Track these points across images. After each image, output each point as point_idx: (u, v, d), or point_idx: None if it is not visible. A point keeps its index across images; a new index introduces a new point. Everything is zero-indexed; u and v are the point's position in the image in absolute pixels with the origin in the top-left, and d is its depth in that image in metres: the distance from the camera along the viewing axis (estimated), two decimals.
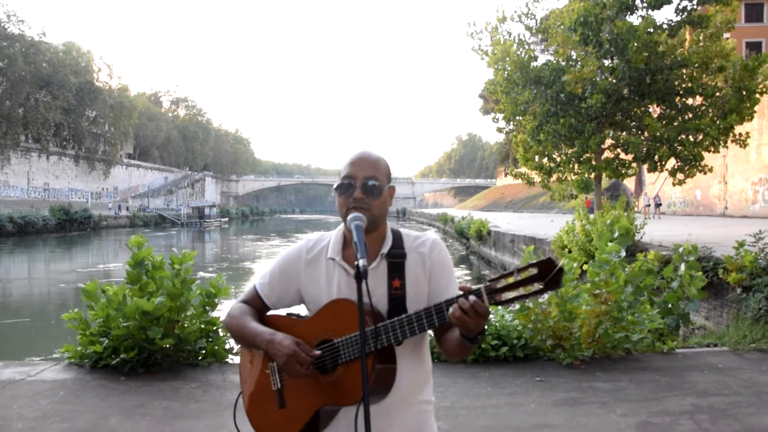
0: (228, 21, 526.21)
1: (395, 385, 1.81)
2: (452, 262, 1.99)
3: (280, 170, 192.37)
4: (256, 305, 2.01)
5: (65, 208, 54.02)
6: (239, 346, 2.04)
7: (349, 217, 1.77)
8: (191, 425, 3.93)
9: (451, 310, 1.64)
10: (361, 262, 1.60)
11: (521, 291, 1.61)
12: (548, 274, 1.59)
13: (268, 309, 2.01)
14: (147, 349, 4.99)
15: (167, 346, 5.06)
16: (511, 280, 1.62)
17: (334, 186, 1.85)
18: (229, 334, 2.03)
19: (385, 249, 1.89)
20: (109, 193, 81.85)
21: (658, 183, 41.36)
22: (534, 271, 1.60)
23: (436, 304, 1.70)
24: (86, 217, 56.12)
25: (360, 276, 1.60)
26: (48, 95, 64.79)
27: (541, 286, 1.59)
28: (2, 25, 60.03)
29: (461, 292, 1.67)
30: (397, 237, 1.93)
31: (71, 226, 53.42)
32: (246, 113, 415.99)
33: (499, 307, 1.73)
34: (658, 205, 36.95)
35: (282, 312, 2.02)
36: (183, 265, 5.23)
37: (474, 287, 1.66)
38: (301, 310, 2.02)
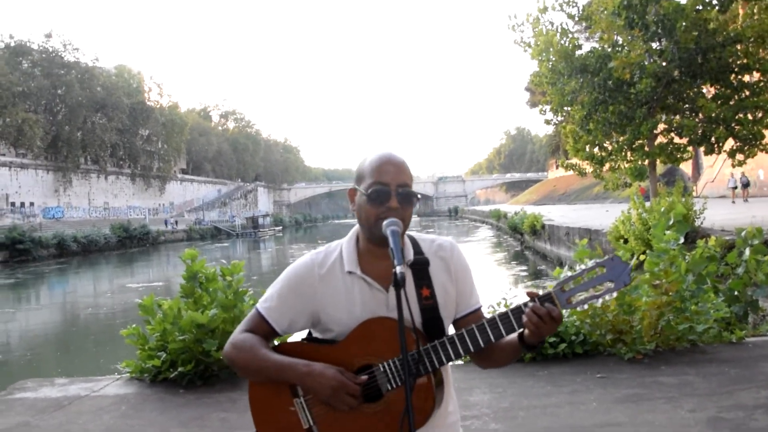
0: (271, 32, 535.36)
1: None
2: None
3: (330, 176, 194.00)
4: (263, 332, 1.77)
5: (125, 226, 55.87)
6: (250, 381, 1.78)
7: (386, 222, 1.62)
8: None
9: (525, 317, 1.59)
10: (399, 269, 1.49)
11: (591, 292, 1.61)
12: (616, 272, 1.59)
13: (275, 336, 1.80)
14: (204, 361, 5.05)
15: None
16: (579, 281, 1.61)
17: (367, 192, 1.68)
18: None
19: (409, 256, 1.74)
20: (166, 209, 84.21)
21: (716, 165, 39.85)
22: (602, 270, 1.60)
23: (513, 310, 1.64)
24: (145, 233, 57.93)
25: (398, 284, 1.48)
26: (103, 117, 67.43)
27: (611, 285, 1.59)
28: (59, 54, 62.89)
29: (528, 298, 1.63)
30: (414, 242, 1.80)
31: (131, 243, 55.16)
32: (294, 122, 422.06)
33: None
34: (745, 186, 31.93)
35: (294, 338, 1.83)
36: (234, 276, 5.28)
37: (543, 293, 1.63)
38: (299, 334, 1.84)
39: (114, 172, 74.90)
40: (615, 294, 1.60)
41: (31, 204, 60.80)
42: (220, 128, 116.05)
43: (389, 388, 1.63)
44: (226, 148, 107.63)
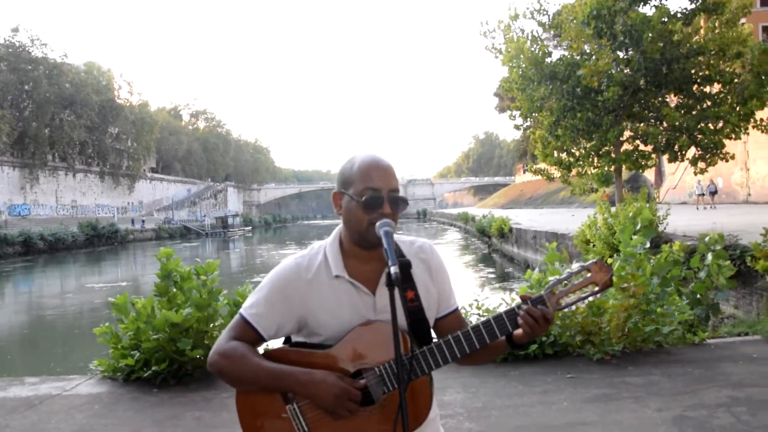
0: (243, 32, 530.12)
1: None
2: None
3: (300, 177, 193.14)
4: (250, 340, 1.72)
5: (93, 224, 54.88)
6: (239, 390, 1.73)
7: (379, 223, 1.62)
8: None
9: (521, 319, 1.66)
10: (393, 269, 1.49)
11: (578, 294, 1.70)
12: (601, 275, 1.68)
13: (261, 343, 1.75)
14: (177, 360, 5.03)
15: (198, 356, 5.10)
16: (566, 284, 1.70)
17: (360, 199, 1.66)
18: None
19: None
20: (135, 207, 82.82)
21: (678, 173, 40.71)
22: (588, 274, 1.69)
23: (507, 312, 1.69)
24: (113, 231, 57.02)
25: (393, 285, 1.49)
26: (72, 114, 65.90)
27: (596, 288, 1.68)
28: (27, 49, 61.42)
29: (521, 300, 1.70)
30: (395, 244, 1.75)
31: (99, 242, 54.21)
32: (264, 122, 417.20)
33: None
34: (713, 193, 31.95)
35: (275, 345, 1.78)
36: (209, 275, 5.28)
37: (535, 296, 1.70)
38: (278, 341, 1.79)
39: (82, 170, 73.36)
40: (599, 296, 1.69)
41: None
42: (190, 127, 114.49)
43: (385, 391, 1.64)
44: (197, 147, 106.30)
